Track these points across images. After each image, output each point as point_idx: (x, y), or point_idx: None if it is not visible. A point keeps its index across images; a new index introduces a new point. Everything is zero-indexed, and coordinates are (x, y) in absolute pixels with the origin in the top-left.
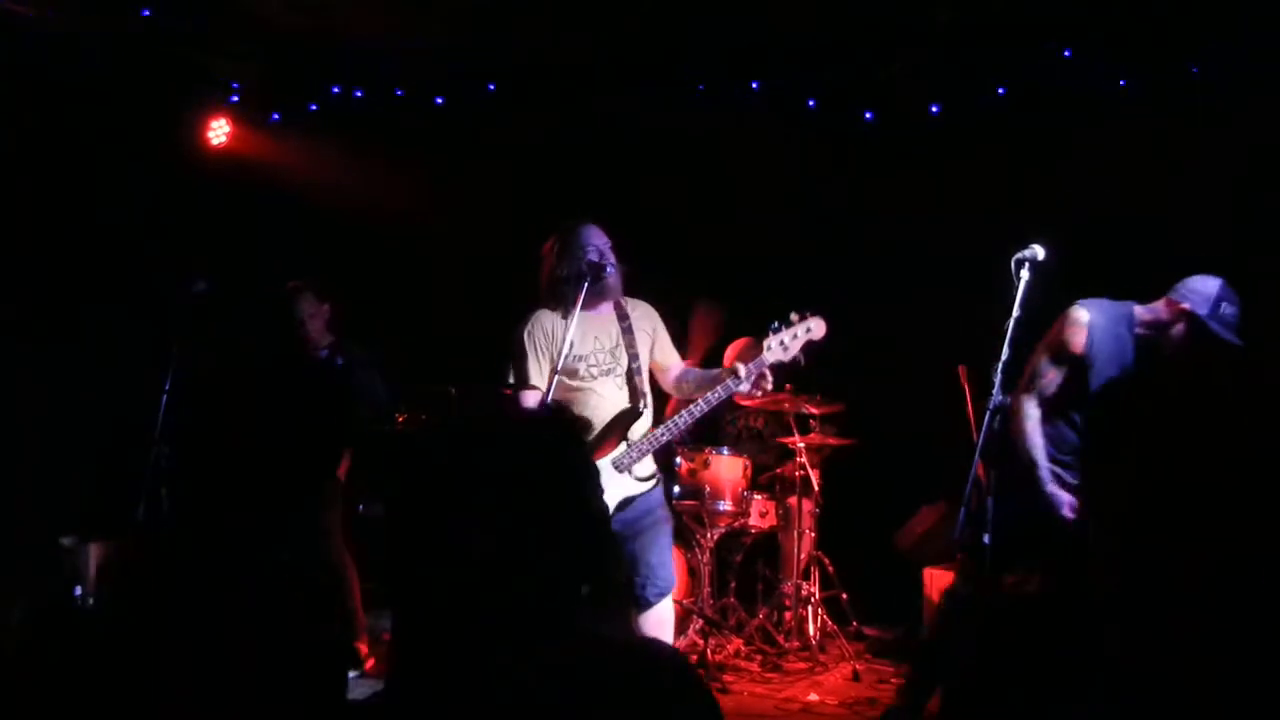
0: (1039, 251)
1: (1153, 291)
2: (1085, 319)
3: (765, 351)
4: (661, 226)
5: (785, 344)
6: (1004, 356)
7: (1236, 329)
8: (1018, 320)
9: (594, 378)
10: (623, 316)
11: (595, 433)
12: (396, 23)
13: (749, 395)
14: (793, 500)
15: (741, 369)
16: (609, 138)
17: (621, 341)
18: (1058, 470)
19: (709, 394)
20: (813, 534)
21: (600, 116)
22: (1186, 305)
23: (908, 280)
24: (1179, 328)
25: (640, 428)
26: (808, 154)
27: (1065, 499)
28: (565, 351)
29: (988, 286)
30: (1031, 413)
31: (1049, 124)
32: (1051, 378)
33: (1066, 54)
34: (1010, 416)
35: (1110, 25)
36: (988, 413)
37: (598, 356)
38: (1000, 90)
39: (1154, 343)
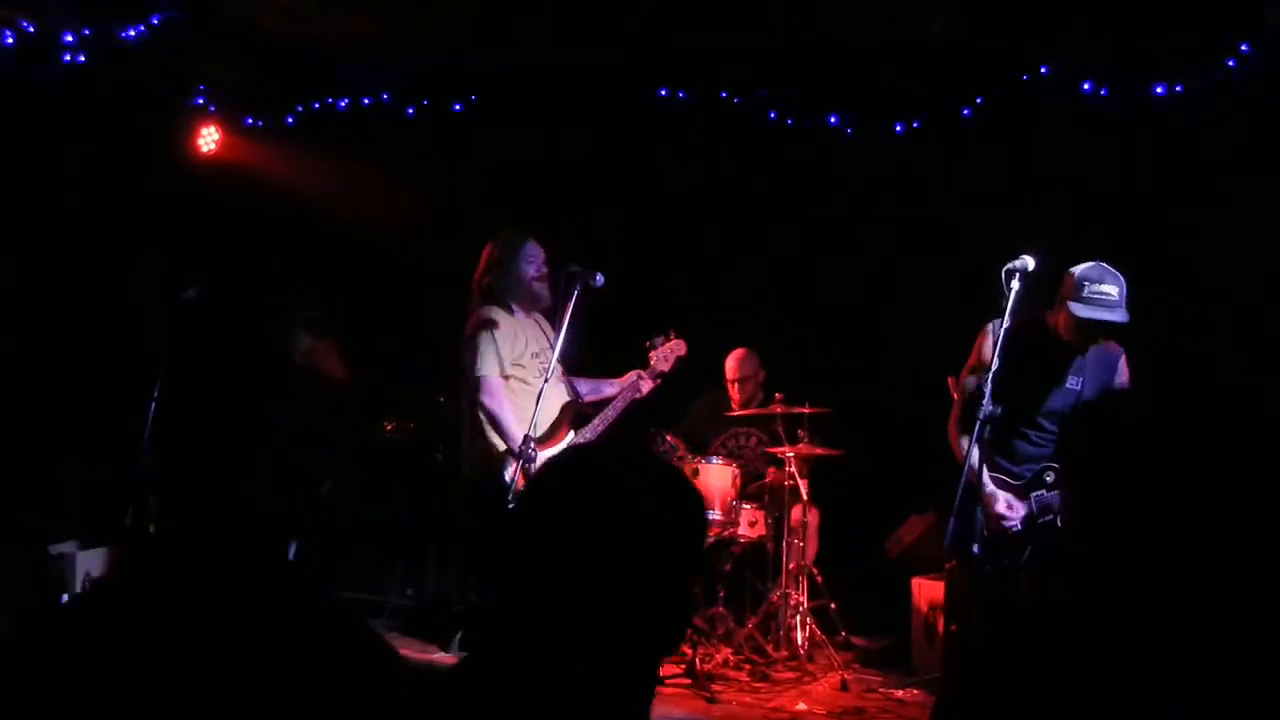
0: (1029, 262)
1: (1146, 297)
2: (990, 329)
3: (655, 363)
4: (658, 230)
5: (665, 357)
6: (994, 366)
7: (1113, 303)
8: (1008, 330)
9: (538, 375)
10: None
11: (548, 426)
12: (391, 28)
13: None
14: (796, 511)
15: (645, 380)
16: (606, 141)
17: (549, 343)
18: (1001, 476)
19: (619, 399)
20: (800, 543)
21: (596, 121)
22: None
23: (897, 290)
24: (1062, 321)
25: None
26: (799, 161)
27: (1000, 496)
28: (554, 352)
29: (978, 296)
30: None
31: (1041, 133)
32: None
33: (1060, 63)
34: (949, 438)
35: (1104, 32)
36: (977, 422)
37: (544, 356)
38: (992, 99)
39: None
